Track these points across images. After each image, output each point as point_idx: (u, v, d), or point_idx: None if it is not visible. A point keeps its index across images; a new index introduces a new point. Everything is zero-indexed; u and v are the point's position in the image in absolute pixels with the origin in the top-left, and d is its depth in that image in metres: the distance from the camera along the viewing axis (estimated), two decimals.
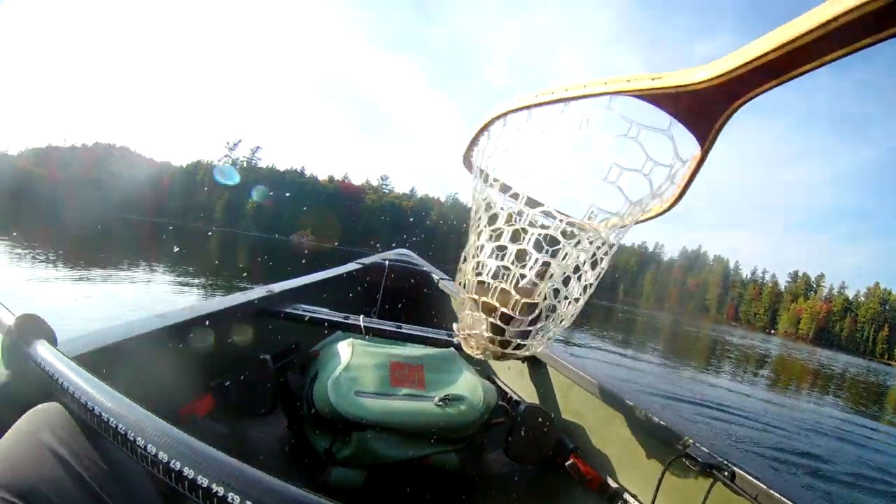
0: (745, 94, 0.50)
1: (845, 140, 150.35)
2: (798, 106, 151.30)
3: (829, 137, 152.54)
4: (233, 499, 0.33)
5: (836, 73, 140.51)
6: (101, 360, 0.75)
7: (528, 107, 0.70)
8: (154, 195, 69.28)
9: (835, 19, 0.36)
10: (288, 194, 73.64)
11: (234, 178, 70.68)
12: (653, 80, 0.53)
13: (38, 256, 9.51)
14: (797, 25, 0.39)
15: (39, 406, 0.51)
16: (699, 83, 0.49)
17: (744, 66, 0.45)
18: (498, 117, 0.76)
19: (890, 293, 73.59)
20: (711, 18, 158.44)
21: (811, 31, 0.38)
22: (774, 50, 0.42)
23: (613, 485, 1.06)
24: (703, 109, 0.55)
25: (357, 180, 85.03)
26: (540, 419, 1.16)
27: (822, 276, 79.29)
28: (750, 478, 0.80)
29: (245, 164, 75.14)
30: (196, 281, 9.52)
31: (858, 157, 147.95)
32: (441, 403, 1.11)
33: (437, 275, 2.34)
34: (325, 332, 1.37)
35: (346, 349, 1.18)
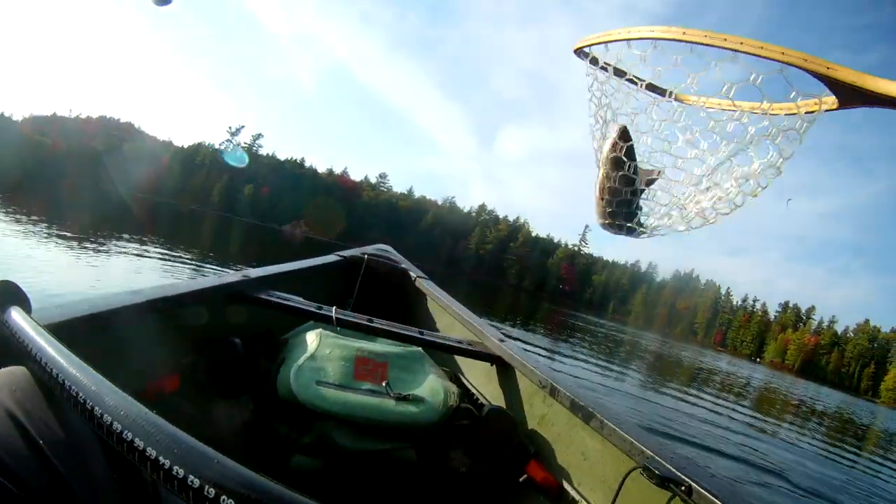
0: (869, 104, 0.72)
1: (850, 175, 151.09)
2: (812, 135, 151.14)
3: (836, 171, 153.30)
4: (178, 472, 0.33)
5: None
6: (73, 330, 0.77)
7: (681, 40, 0.86)
8: (154, 174, 69.00)
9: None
10: (267, 188, 72.77)
11: (244, 161, 70.16)
12: (828, 68, 0.72)
13: (35, 224, 9.58)
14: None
15: (4, 369, 0.52)
16: (867, 90, 0.69)
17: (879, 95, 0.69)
18: (639, 38, 0.92)
19: (879, 330, 73.56)
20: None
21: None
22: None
23: (571, 492, 1.07)
24: (849, 95, 0.75)
25: (356, 176, 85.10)
26: (503, 422, 1.19)
27: (812, 309, 79.32)
28: (707, 494, 0.79)
29: (246, 151, 74.95)
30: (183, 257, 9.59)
31: (862, 192, 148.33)
32: (400, 402, 1.12)
33: (414, 272, 2.31)
34: (298, 320, 1.38)
35: (313, 339, 1.20)
